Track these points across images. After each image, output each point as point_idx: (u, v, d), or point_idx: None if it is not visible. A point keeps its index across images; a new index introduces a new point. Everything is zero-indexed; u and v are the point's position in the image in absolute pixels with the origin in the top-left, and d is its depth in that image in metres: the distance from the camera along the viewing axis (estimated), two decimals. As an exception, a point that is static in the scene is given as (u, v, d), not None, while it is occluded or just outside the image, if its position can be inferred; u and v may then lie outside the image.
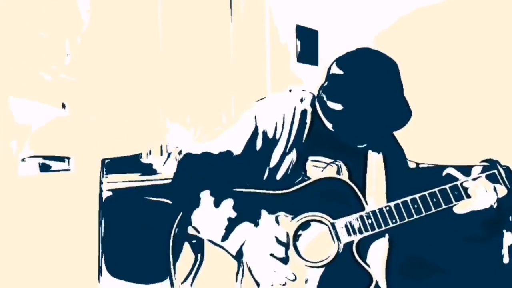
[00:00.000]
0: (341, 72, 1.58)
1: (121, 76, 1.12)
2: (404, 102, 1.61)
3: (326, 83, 1.62)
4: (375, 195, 1.66)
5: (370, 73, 1.58)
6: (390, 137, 1.77)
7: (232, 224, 1.53)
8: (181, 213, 1.64)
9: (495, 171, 1.60)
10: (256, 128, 1.63)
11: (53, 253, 1.07)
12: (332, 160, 1.64)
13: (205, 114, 3.25)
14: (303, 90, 1.73)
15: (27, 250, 1.05)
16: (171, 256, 1.64)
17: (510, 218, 2.34)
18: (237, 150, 1.62)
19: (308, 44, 3.53)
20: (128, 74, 2.75)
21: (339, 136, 1.62)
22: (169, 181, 1.72)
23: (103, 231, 2.02)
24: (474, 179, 1.60)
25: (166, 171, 2.67)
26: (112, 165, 2.41)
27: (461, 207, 1.61)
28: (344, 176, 1.64)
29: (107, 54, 1.24)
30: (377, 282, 1.59)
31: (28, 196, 1.44)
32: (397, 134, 1.73)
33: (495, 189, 1.59)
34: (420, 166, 2.49)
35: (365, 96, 1.56)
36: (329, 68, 1.63)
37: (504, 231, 2.36)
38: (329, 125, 1.63)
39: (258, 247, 1.54)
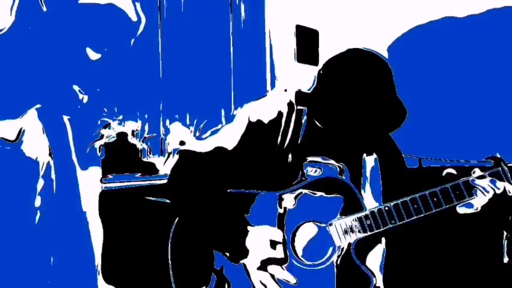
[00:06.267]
0: (331, 75, 1.56)
1: (120, 76, 1.12)
2: (398, 102, 1.57)
3: (316, 86, 1.60)
4: (371, 196, 1.65)
5: (361, 74, 1.56)
6: (386, 138, 1.75)
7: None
8: (177, 219, 1.61)
9: (499, 169, 1.54)
10: (251, 128, 1.61)
11: (50, 253, 1.07)
12: (329, 160, 1.63)
13: (205, 113, 3.25)
14: (298, 90, 1.71)
15: (24, 250, 1.04)
16: (170, 263, 1.61)
17: (510, 218, 2.32)
18: (232, 149, 1.60)
19: (308, 44, 3.52)
20: (127, 74, 2.75)
21: (332, 135, 1.60)
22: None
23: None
24: (478, 178, 1.54)
25: (166, 171, 2.66)
26: (112, 165, 2.40)
27: (464, 208, 1.56)
28: (342, 176, 1.63)
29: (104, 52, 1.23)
30: (375, 283, 1.58)
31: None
32: (398, 131, 1.70)
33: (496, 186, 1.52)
34: (423, 161, 2.47)
35: (356, 99, 1.54)
36: (319, 71, 1.61)
37: (504, 231, 2.35)
38: (320, 126, 1.60)
39: (254, 251, 1.52)
